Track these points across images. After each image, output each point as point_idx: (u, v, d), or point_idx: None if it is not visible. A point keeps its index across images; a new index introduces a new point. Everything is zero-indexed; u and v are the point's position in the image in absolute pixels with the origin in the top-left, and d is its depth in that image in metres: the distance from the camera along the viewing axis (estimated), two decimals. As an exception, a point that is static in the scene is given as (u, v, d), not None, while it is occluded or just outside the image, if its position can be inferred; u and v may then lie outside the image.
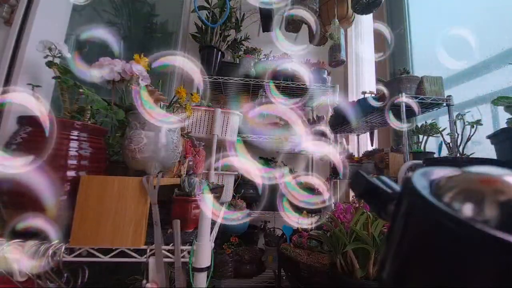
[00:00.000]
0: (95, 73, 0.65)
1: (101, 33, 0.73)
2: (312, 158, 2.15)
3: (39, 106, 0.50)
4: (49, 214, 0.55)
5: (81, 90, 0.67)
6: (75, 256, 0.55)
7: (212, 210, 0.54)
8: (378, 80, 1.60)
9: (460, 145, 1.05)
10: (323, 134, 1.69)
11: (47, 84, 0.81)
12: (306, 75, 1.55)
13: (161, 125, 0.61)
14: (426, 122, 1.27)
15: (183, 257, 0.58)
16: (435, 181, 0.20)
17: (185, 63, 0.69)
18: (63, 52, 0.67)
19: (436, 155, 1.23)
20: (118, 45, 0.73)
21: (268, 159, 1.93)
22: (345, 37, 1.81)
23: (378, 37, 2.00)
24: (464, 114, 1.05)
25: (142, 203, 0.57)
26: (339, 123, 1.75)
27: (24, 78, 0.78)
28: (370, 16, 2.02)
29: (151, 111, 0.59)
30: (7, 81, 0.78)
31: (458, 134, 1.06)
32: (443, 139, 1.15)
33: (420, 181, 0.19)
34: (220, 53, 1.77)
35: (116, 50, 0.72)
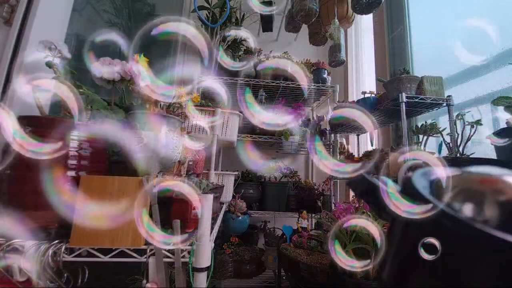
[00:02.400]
0: (107, 70, 0.65)
1: (114, 36, 0.72)
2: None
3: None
4: (49, 214, 0.55)
5: (81, 90, 0.67)
6: (75, 256, 0.55)
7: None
8: (379, 80, 1.61)
9: (460, 145, 1.05)
10: (322, 134, 1.69)
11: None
12: (301, 74, 1.55)
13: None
14: (426, 122, 1.27)
15: (183, 257, 0.58)
16: (435, 181, 0.20)
17: (188, 29, 0.64)
18: (63, 52, 0.67)
19: (436, 155, 1.23)
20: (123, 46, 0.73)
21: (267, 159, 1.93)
22: (345, 37, 1.81)
23: (378, 37, 2.01)
24: (464, 114, 1.05)
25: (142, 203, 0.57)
26: (339, 123, 1.75)
27: (24, 78, 0.78)
28: (370, 16, 2.03)
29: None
30: (7, 81, 0.78)
31: (458, 134, 1.06)
32: (443, 139, 1.15)
33: (420, 181, 0.19)
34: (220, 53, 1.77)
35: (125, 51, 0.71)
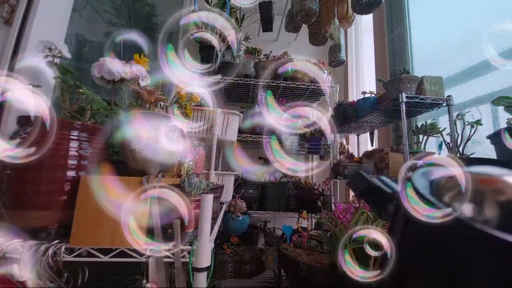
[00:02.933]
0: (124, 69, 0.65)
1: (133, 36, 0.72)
2: (312, 158, 2.15)
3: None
4: (49, 214, 0.55)
5: (81, 90, 0.67)
6: (75, 256, 0.55)
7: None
8: (379, 80, 1.61)
9: (460, 145, 1.05)
10: (322, 134, 1.69)
11: (47, 84, 0.81)
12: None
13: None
14: (426, 122, 1.27)
15: (183, 257, 0.58)
16: (435, 181, 0.20)
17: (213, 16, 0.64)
18: (63, 52, 0.67)
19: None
20: (120, 45, 0.73)
21: (268, 159, 1.93)
22: (345, 37, 1.81)
23: (378, 36, 2.01)
24: (464, 114, 1.05)
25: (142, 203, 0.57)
26: (339, 123, 1.75)
27: (24, 78, 0.78)
28: (370, 16, 2.03)
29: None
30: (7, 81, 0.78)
31: (458, 134, 1.07)
32: (443, 139, 1.15)
33: (420, 181, 0.19)
34: (220, 53, 1.77)
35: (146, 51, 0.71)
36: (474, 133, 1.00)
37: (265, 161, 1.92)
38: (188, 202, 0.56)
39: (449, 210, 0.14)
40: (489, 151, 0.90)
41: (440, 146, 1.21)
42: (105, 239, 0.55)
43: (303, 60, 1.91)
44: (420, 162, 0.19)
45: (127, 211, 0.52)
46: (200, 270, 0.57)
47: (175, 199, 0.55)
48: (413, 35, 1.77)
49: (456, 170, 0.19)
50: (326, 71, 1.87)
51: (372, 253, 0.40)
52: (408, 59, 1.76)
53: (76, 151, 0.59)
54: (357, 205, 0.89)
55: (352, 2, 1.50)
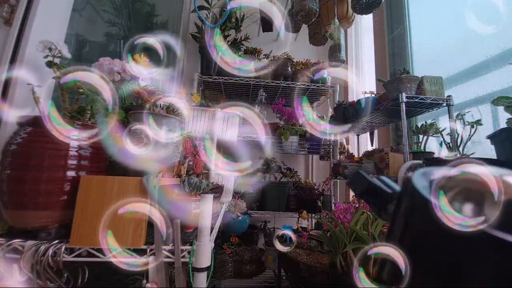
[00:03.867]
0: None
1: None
2: (312, 158, 2.15)
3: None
4: (49, 214, 0.55)
5: (81, 90, 0.67)
6: (75, 256, 0.55)
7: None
8: (379, 80, 1.61)
9: (460, 145, 1.05)
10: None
11: (47, 84, 0.81)
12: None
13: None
14: (426, 122, 1.27)
15: (183, 257, 0.58)
16: (435, 181, 0.20)
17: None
18: (63, 52, 0.67)
19: (436, 155, 1.23)
20: (118, 45, 0.73)
21: (268, 159, 1.93)
22: (345, 37, 1.81)
23: (378, 36, 2.01)
24: (464, 114, 1.05)
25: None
26: (340, 123, 1.75)
27: (24, 78, 0.78)
28: (370, 16, 2.03)
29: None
30: (7, 81, 0.78)
31: (458, 134, 1.06)
32: (443, 139, 1.15)
33: (420, 181, 0.19)
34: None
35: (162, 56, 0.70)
36: (474, 133, 1.00)
37: (265, 161, 1.92)
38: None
39: (482, 218, 0.14)
40: (489, 151, 0.90)
41: (440, 146, 1.21)
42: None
43: (303, 60, 1.91)
44: (452, 172, 0.19)
45: (104, 225, 0.52)
46: (200, 270, 0.57)
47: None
48: (413, 35, 1.77)
49: (456, 170, 0.19)
50: (326, 71, 1.87)
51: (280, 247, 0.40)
52: (408, 59, 1.76)
53: (76, 151, 0.59)
54: (357, 205, 0.89)
55: (352, 2, 1.50)
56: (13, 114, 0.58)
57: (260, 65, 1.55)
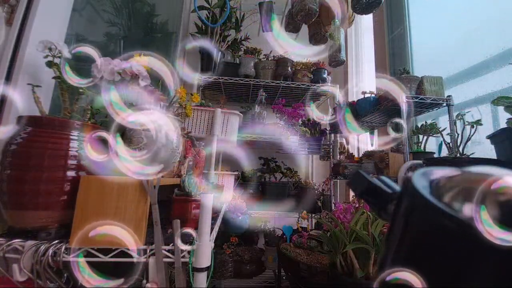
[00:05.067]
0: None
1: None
2: (312, 158, 2.15)
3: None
4: (49, 214, 0.55)
5: (81, 90, 0.67)
6: (75, 256, 0.55)
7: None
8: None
9: (460, 145, 1.05)
10: (322, 134, 1.69)
11: (47, 84, 0.81)
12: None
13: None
14: (426, 122, 1.27)
15: (183, 257, 0.58)
16: (435, 181, 0.20)
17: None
18: (63, 52, 0.67)
19: (436, 155, 1.23)
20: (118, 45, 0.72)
21: (268, 159, 1.93)
22: (345, 37, 1.81)
23: (378, 36, 2.01)
24: (464, 114, 1.05)
25: (142, 203, 0.57)
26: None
27: (24, 78, 0.78)
28: (370, 16, 2.03)
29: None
30: (7, 81, 0.78)
31: (458, 134, 1.06)
32: (443, 139, 1.15)
33: (420, 181, 0.19)
34: (220, 53, 1.77)
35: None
36: (474, 133, 0.99)
37: (265, 161, 1.92)
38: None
39: None
40: (489, 151, 0.90)
41: (440, 146, 1.21)
42: (105, 239, 0.55)
43: (303, 60, 1.91)
44: (452, 172, 0.19)
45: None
46: (200, 270, 0.57)
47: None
48: (413, 35, 1.77)
49: (456, 170, 0.19)
50: (326, 71, 1.87)
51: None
52: (408, 59, 1.76)
53: (76, 151, 0.59)
54: (357, 205, 0.89)
55: (352, 2, 1.50)
56: (13, 114, 0.57)
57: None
